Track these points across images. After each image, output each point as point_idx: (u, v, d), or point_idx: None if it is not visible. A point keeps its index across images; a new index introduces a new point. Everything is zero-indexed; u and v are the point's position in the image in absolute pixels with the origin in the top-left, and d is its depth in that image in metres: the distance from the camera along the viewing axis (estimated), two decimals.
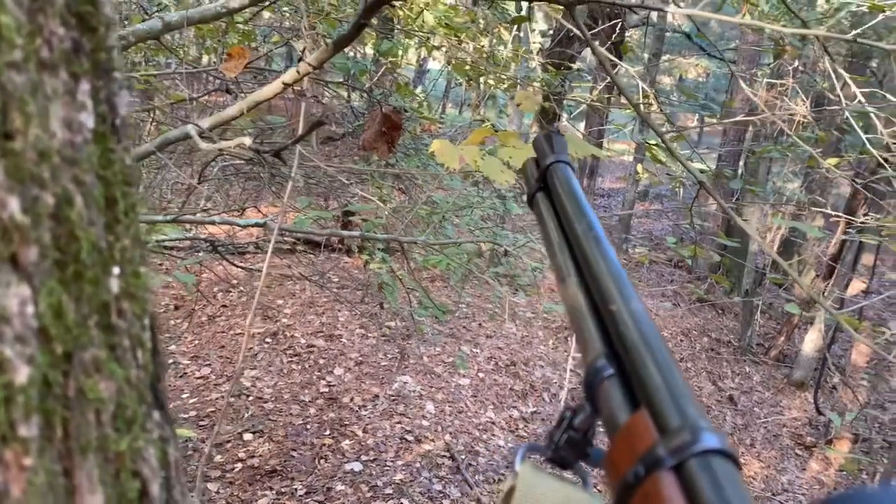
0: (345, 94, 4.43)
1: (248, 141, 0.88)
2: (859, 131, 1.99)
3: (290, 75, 1.13)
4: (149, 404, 0.36)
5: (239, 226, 1.95)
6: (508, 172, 1.32)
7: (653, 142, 2.76)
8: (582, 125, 9.41)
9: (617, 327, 0.38)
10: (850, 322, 1.41)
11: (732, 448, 0.30)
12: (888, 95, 1.93)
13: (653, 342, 0.36)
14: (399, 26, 3.17)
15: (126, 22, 2.72)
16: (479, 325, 6.31)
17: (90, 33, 0.32)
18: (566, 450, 0.40)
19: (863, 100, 1.82)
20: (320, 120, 0.87)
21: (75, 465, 0.29)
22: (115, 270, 0.33)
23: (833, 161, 2.84)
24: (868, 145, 2.03)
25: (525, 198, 0.57)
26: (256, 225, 1.78)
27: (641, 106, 2.62)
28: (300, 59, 1.06)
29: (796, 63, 5.49)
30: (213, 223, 1.85)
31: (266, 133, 3.29)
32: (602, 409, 0.37)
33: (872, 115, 1.85)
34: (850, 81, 1.73)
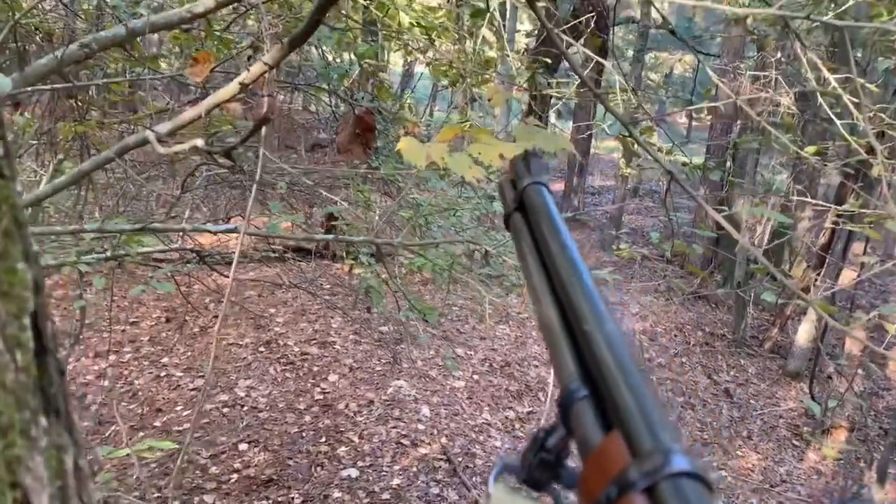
0: (327, 100, 4.41)
1: (200, 142, 0.86)
2: (835, 120, 1.98)
3: (245, 75, 1.12)
4: (33, 410, 0.33)
5: (210, 232, 1.93)
6: (476, 168, 1.31)
7: (638, 129, 2.75)
8: (570, 123, 9.43)
9: (590, 349, 0.38)
10: (824, 308, 1.40)
11: (704, 470, 0.31)
12: (866, 84, 1.92)
13: (626, 364, 0.36)
14: (380, 28, 3.17)
15: (95, 29, 2.70)
16: (473, 327, 6.29)
17: None
18: (539, 471, 0.41)
19: (838, 88, 1.81)
20: (265, 117, 0.85)
21: None
22: None
23: (812, 150, 2.83)
24: (846, 134, 2.02)
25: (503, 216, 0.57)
26: (227, 231, 1.76)
27: (620, 102, 2.61)
28: (249, 58, 1.04)
29: (779, 55, 5.49)
30: (182, 230, 1.83)
31: (238, 134, 3.27)
32: (575, 431, 0.38)
33: (848, 102, 1.84)
34: (822, 68, 1.72)
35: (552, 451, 0.40)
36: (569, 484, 0.40)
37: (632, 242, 10.15)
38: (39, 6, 2.72)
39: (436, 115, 10.52)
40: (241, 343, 5.26)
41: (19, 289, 0.33)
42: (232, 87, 1.15)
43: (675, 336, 7.42)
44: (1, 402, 0.31)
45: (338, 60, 4.25)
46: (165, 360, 4.92)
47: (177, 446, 3.76)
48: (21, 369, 0.33)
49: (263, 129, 1.24)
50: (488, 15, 2.77)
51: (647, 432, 0.33)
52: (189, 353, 5.04)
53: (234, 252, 4.99)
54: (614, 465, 0.32)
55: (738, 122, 8.34)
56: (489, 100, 1.69)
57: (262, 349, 5.22)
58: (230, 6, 1.56)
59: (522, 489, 0.42)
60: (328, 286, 6.33)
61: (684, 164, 2.89)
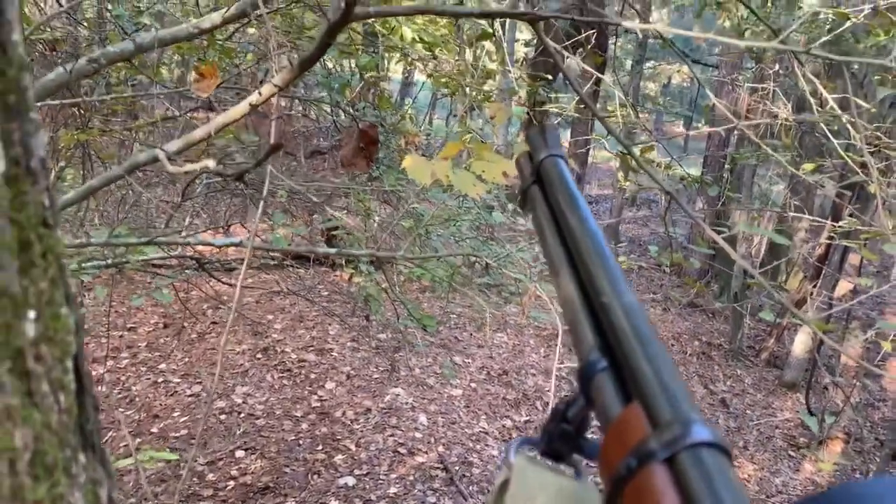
0: (328, 109, 4.43)
1: (211, 164, 0.88)
2: (830, 137, 2.01)
3: (255, 97, 1.13)
4: (73, 448, 0.35)
5: (215, 246, 1.94)
6: (480, 185, 1.33)
7: (638, 148, 2.77)
8: (568, 133, 9.46)
9: (609, 320, 0.38)
10: (819, 326, 1.42)
11: (724, 440, 0.31)
12: (860, 102, 1.95)
13: (644, 335, 0.36)
14: (381, 40, 3.20)
15: (106, 43, 2.72)
16: (471, 335, 6.30)
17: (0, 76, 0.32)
18: (560, 442, 0.41)
19: (835, 106, 1.84)
20: (278, 144, 0.87)
21: None
22: (31, 315, 0.32)
23: (810, 167, 2.86)
24: (842, 152, 2.05)
25: (518, 199, 0.58)
26: (232, 244, 1.78)
27: (619, 117, 2.64)
28: (262, 82, 1.06)
29: (776, 67, 5.53)
30: (188, 244, 1.84)
31: (243, 151, 3.28)
32: (595, 402, 0.38)
33: (846, 121, 1.87)
34: (820, 87, 1.75)
35: (572, 422, 0.40)
36: (589, 455, 0.41)
37: (629, 252, 10.18)
38: (43, 15, 2.74)
39: (435, 123, 10.55)
40: (238, 349, 5.26)
41: (63, 333, 0.34)
42: (241, 108, 1.17)
43: (673, 345, 7.45)
44: (46, 443, 0.32)
45: (338, 69, 4.27)
46: (163, 366, 4.92)
47: (177, 458, 3.77)
48: (64, 410, 0.34)
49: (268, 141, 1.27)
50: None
51: (667, 402, 0.32)
52: (186, 360, 5.04)
53: (233, 259, 5.00)
54: (634, 435, 0.32)
55: (736, 132, 8.39)
56: (491, 117, 1.72)
57: (259, 356, 5.23)
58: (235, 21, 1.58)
59: (543, 460, 0.42)
60: (326, 293, 6.33)
61: (682, 179, 2.92)
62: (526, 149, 0.56)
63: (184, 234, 3.53)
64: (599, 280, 0.41)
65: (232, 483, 3.87)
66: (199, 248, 3.78)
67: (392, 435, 4.55)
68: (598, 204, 14.61)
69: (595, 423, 0.39)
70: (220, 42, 2.51)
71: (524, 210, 0.56)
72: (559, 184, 0.50)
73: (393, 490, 4.04)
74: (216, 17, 1.53)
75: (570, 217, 0.47)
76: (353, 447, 4.36)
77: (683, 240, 9.14)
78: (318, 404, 4.75)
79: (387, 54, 3.88)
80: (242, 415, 4.51)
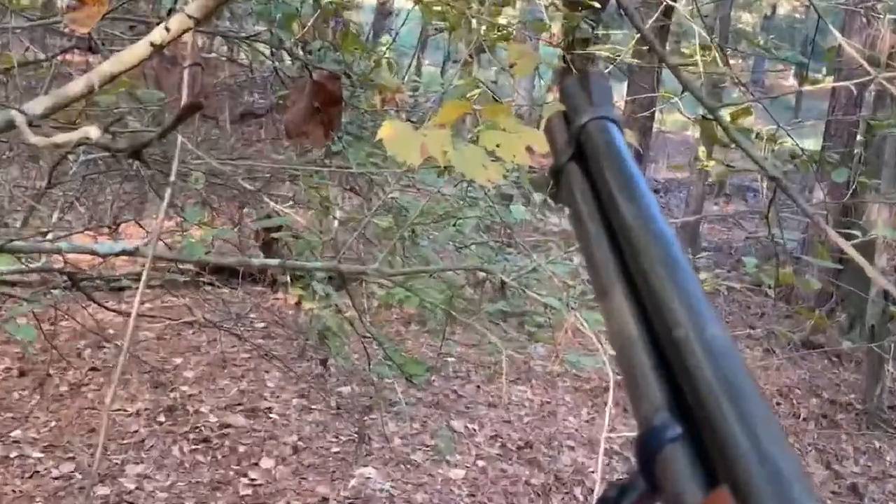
0: (267, 51, 4.43)
1: (94, 132, 0.88)
2: None
3: (160, 33, 1.13)
4: None
5: (98, 255, 1.94)
6: (494, 167, 1.33)
7: (727, 110, 2.78)
8: (623, 88, 9.50)
9: (685, 364, 0.38)
10: None
11: None
12: None
13: (738, 387, 0.36)
14: None
15: None
16: (477, 387, 6.30)
17: None
18: None
19: None
20: (193, 104, 0.87)
21: None
22: None
23: None
24: None
25: (549, 178, 0.58)
26: (123, 253, 1.77)
27: (699, 64, 2.65)
28: (170, 11, 1.05)
29: None
30: (57, 252, 1.84)
31: (141, 114, 3.28)
32: (664, 486, 0.37)
33: None
34: None
35: None
36: None
37: (714, 266, 10.20)
38: None
39: (426, 72, 10.59)
40: (130, 409, 5.25)
41: None
42: (139, 50, 1.16)
43: (779, 405, 7.45)
44: None
45: None
46: (17, 432, 4.90)
47: None
48: None
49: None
50: None
51: (771, 489, 0.32)
52: (53, 424, 5.03)
53: (125, 275, 4.99)
54: None
55: (873, 88, 8.41)
56: (511, 65, 1.71)
57: (161, 418, 5.22)
58: None
59: None
60: (262, 325, 6.32)
61: (793, 157, 2.92)
62: (561, 108, 0.56)
63: (51, 236, 3.53)
64: (670, 304, 0.40)
65: None
66: (74, 257, 3.78)
67: None
68: (667, 193, 14.67)
69: None
70: None
71: (557, 200, 0.56)
72: (610, 160, 0.50)
73: None
74: None
75: (625, 210, 0.46)
76: None
77: (795, 248, 9.15)
78: (250, 491, 4.74)
79: None
80: None
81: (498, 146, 1.33)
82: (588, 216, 0.49)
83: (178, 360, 5.78)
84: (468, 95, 3.89)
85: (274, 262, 2.71)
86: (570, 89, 0.55)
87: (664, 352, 0.40)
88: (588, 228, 0.48)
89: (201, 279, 5.59)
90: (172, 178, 1.32)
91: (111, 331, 5.50)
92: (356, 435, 5.32)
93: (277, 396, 5.59)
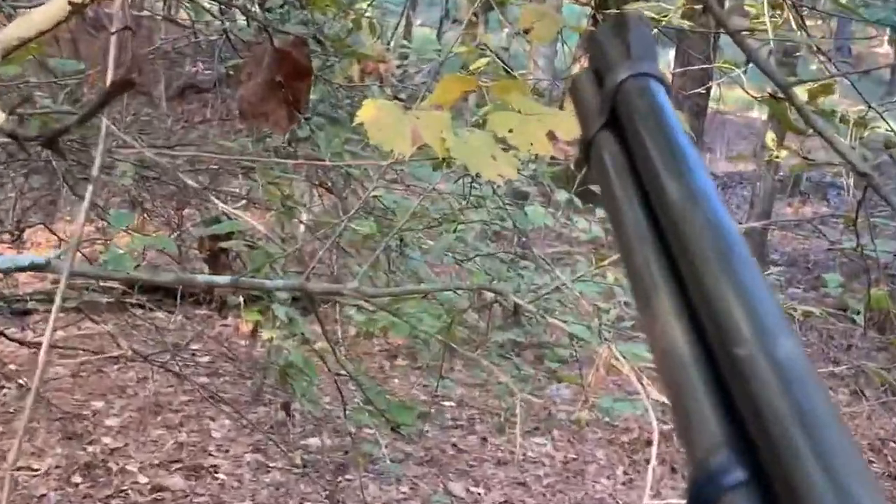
0: (214, 8, 4.44)
1: None
2: None
3: None
4: None
5: None
6: (507, 158, 1.33)
7: (804, 88, 2.78)
8: (670, 56, 9.50)
9: (750, 390, 0.37)
10: None
11: None
12: None
13: (819, 421, 0.36)
14: None
15: None
16: (482, 439, 6.29)
17: None
18: None
19: None
20: (126, 80, 0.86)
21: None
22: None
23: None
24: None
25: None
26: (31, 268, 1.78)
27: (768, 26, 2.66)
28: None
29: None
30: None
31: (55, 91, 3.29)
32: None
33: None
34: None
35: None
36: None
37: (786, 284, 10.20)
38: None
39: (417, 34, 10.55)
40: (37, 466, 5.25)
41: None
42: (54, 10, 1.17)
43: (872, 462, 7.46)
44: None
45: None
46: None
47: None
48: None
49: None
50: None
51: None
52: None
53: (31, 293, 4.99)
54: None
55: None
56: (526, 31, 1.72)
57: (77, 479, 5.22)
58: None
59: None
60: (207, 359, 6.31)
61: (888, 146, 2.93)
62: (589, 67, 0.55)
63: None
64: (730, 312, 0.39)
65: None
66: None
67: None
68: (726, 190, 14.66)
69: None
70: None
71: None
72: (653, 127, 0.49)
73: None
74: None
75: (673, 191, 0.45)
76: None
77: (891, 263, 9.14)
78: None
79: None
80: None
81: (510, 132, 1.33)
82: (625, 200, 0.48)
83: (99, 404, 5.77)
84: (472, 67, 3.89)
85: (224, 279, 2.71)
86: (602, 39, 0.54)
87: (723, 374, 0.39)
88: (625, 216, 0.48)
89: (129, 300, 5.58)
90: (95, 172, 1.32)
91: (13, 366, 5.50)
92: (327, 501, 5.32)
93: (226, 451, 5.58)
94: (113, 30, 1.33)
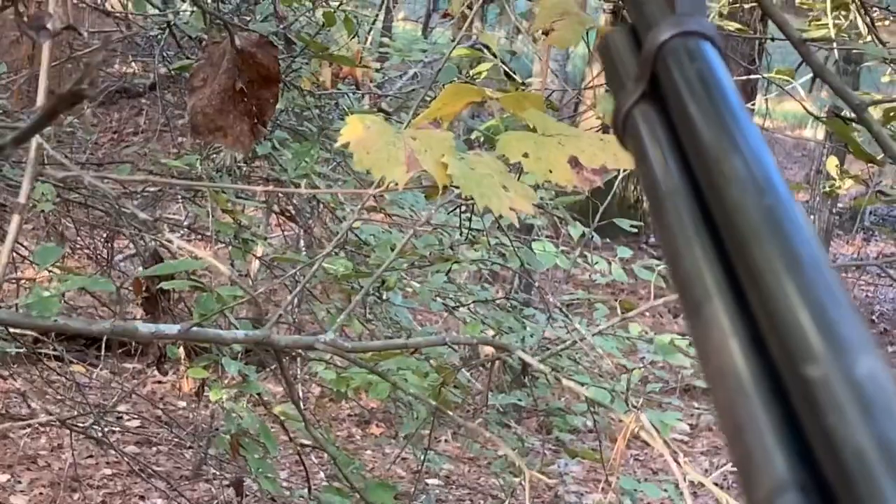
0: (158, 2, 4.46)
1: None
2: None
3: None
4: None
5: None
6: (521, 189, 1.33)
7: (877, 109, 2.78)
8: None
9: (823, 419, 0.36)
10: None
11: None
12: None
13: None
14: None
15: None
16: None
17: None
18: None
19: None
20: (76, 91, 0.85)
21: None
22: None
23: None
24: None
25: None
26: None
27: (831, 28, 2.67)
28: None
29: None
30: None
31: None
32: None
33: None
34: None
35: None
36: None
37: None
38: None
39: (400, 30, 10.59)
40: None
41: None
42: None
43: None
44: None
45: None
46: None
47: None
48: None
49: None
50: None
51: None
52: None
53: None
54: None
55: None
56: (544, 33, 1.70)
57: None
58: None
59: None
60: (138, 423, 6.28)
61: None
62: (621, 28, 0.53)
63: None
64: (798, 323, 0.39)
65: None
66: None
67: None
68: None
69: None
70: None
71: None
72: (705, 99, 0.48)
73: None
74: None
75: (729, 177, 0.45)
76: None
77: None
78: None
79: None
80: None
81: (526, 156, 1.32)
82: (670, 189, 0.48)
83: (5, 478, 5.75)
84: (472, 73, 3.90)
85: (172, 328, 2.69)
86: None
87: (790, 399, 0.39)
88: (670, 208, 0.47)
89: (42, 350, 5.56)
90: (22, 199, 1.30)
91: None
92: None
93: None
94: (51, 29, 1.31)
